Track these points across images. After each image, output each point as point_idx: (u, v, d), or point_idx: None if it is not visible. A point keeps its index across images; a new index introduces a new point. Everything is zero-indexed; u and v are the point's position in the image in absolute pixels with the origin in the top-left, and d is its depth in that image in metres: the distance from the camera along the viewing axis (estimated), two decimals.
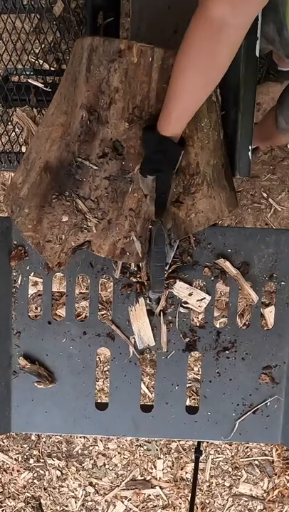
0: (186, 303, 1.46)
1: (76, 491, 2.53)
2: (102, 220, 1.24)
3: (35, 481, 2.53)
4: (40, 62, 1.89)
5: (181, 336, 1.47)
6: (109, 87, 1.17)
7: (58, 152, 1.23)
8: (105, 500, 2.52)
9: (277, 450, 2.51)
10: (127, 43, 1.15)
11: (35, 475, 2.52)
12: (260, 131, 1.96)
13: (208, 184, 1.27)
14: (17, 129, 2.23)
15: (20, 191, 1.28)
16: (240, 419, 1.48)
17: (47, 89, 1.62)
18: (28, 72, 1.65)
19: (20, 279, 1.47)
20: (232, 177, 1.36)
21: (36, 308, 2.15)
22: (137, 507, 2.52)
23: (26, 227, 1.27)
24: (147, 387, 2.35)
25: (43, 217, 1.25)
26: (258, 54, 1.32)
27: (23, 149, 2.13)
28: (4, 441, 2.53)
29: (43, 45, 1.66)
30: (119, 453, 2.52)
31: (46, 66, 1.83)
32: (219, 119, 1.30)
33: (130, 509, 2.52)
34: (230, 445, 2.52)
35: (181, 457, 2.51)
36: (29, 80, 1.64)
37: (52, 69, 1.75)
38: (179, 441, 2.50)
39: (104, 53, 1.16)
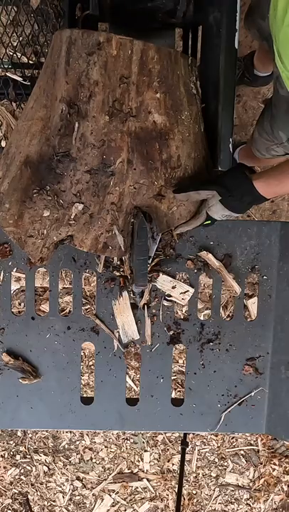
0: (170, 296, 1.46)
1: (63, 485, 2.53)
2: (84, 214, 1.23)
3: (22, 477, 2.52)
4: (19, 55, 1.86)
5: (165, 328, 1.48)
6: (89, 80, 1.16)
7: (38, 146, 1.21)
8: (93, 494, 2.53)
9: (262, 439, 2.53)
10: (106, 36, 1.14)
11: (22, 471, 2.52)
12: (248, 153, 1.98)
13: (189, 177, 1.27)
14: None
15: (1, 186, 1.27)
16: (226, 412, 1.50)
17: (26, 83, 1.60)
18: (6, 66, 1.63)
19: (2, 275, 1.45)
20: (213, 169, 1.36)
21: (19, 304, 2.14)
22: (124, 500, 2.53)
23: (7, 223, 1.26)
24: (132, 381, 2.36)
25: (24, 212, 1.24)
26: (237, 46, 1.32)
27: (3, 144, 2.10)
28: None
29: (20, 38, 1.64)
30: (105, 447, 2.52)
31: (24, 59, 1.81)
32: (200, 112, 1.30)
33: (118, 502, 2.53)
34: (216, 436, 2.54)
35: (168, 449, 2.52)
36: (7, 74, 1.62)
37: (30, 62, 1.73)
38: (165, 433, 2.51)
39: (83, 46, 1.15)
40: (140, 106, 1.18)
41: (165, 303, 1.47)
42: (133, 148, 1.19)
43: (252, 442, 2.55)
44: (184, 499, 2.53)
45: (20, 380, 1.45)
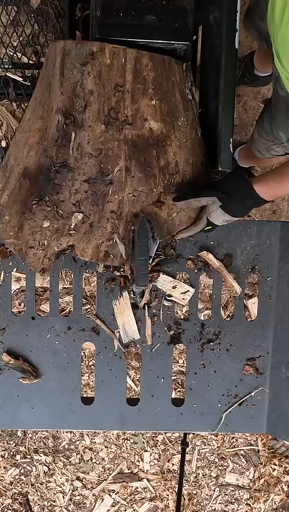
0: (170, 296, 1.46)
1: (64, 485, 2.53)
2: (84, 224, 1.23)
3: (22, 477, 2.52)
4: (19, 55, 1.86)
5: (165, 328, 1.48)
6: (84, 90, 1.17)
7: (36, 158, 1.22)
8: (93, 494, 2.53)
9: (262, 440, 2.53)
10: (99, 45, 1.15)
11: (22, 471, 2.52)
12: (248, 153, 1.98)
13: (188, 182, 1.27)
14: None
15: (0, 198, 1.27)
16: (227, 412, 1.50)
17: (26, 83, 1.60)
18: (6, 66, 1.63)
19: (2, 275, 1.45)
20: (212, 174, 1.36)
21: (20, 304, 2.14)
22: (124, 500, 2.53)
23: (8, 234, 1.26)
24: (133, 381, 2.36)
25: (24, 223, 1.24)
26: (237, 46, 1.32)
27: (3, 144, 2.11)
28: None
29: (21, 38, 1.64)
30: (106, 447, 2.52)
31: (25, 59, 1.81)
32: (196, 118, 1.30)
33: (118, 502, 2.53)
34: (216, 436, 2.54)
35: (168, 449, 2.52)
36: (8, 74, 1.62)
37: (31, 62, 1.73)
38: (165, 433, 2.51)
39: (77, 56, 1.16)
40: (136, 113, 1.18)
41: (165, 303, 1.47)
42: (130, 156, 1.20)
43: (252, 442, 2.55)
44: (184, 499, 2.53)
45: (20, 380, 1.45)
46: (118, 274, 1.45)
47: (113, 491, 2.53)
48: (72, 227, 1.23)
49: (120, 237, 1.25)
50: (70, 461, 2.52)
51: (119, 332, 1.47)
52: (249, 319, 1.51)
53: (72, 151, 1.19)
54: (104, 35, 1.21)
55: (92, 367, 2.37)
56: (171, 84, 1.21)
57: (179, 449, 2.48)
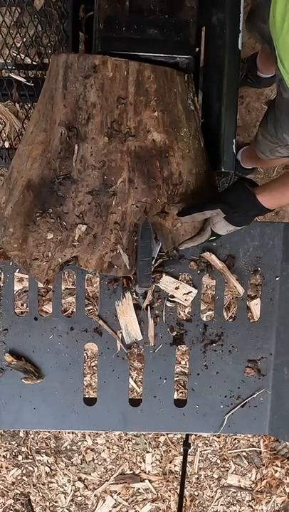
0: (173, 297, 1.46)
1: (65, 486, 2.53)
2: (88, 235, 1.24)
3: (24, 477, 2.52)
4: (22, 56, 1.87)
5: (168, 329, 1.48)
6: (87, 103, 1.17)
7: (39, 170, 1.23)
8: (95, 495, 2.53)
9: (264, 441, 2.53)
10: (102, 59, 1.16)
11: (24, 471, 2.52)
12: (251, 154, 1.98)
13: (192, 192, 1.27)
14: None
15: (4, 211, 1.28)
16: (229, 414, 1.49)
17: (29, 84, 1.61)
18: (9, 67, 1.64)
19: (5, 276, 1.46)
20: (215, 183, 1.37)
21: (22, 305, 2.14)
22: (126, 501, 2.53)
23: (12, 247, 1.26)
24: (135, 382, 2.36)
25: (28, 235, 1.25)
26: (240, 47, 1.32)
27: (6, 145, 2.11)
28: None
29: (24, 39, 1.64)
30: (108, 447, 2.52)
31: (28, 60, 1.81)
32: (199, 128, 1.30)
33: (120, 503, 2.53)
34: (218, 437, 2.53)
35: (170, 450, 2.52)
36: (11, 75, 1.63)
37: (34, 63, 1.73)
38: (167, 434, 2.51)
39: (80, 69, 1.17)
40: (139, 125, 1.19)
41: (168, 304, 1.47)
42: (134, 168, 1.20)
43: (254, 444, 2.54)
44: (186, 500, 2.53)
45: (23, 381, 1.45)
46: None
47: (115, 491, 2.53)
48: (76, 238, 1.24)
49: (124, 247, 1.25)
50: (72, 462, 2.52)
51: (121, 333, 1.47)
52: (252, 320, 1.51)
53: (76, 164, 1.20)
54: (106, 48, 1.22)
55: (95, 367, 2.37)
56: (173, 96, 1.22)
57: (181, 450, 2.48)
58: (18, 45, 1.73)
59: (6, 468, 2.52)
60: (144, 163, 1.20)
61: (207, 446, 2.54)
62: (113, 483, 2.53)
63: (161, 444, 2.53)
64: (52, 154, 1.21)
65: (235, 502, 2.56)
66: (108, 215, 1.22)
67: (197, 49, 1.38)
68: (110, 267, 1.27)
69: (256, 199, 1.18)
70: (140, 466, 2.53)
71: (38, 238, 1.25)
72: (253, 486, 2.56)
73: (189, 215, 1.24)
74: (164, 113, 1.21)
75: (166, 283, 1.45)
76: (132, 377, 2.36)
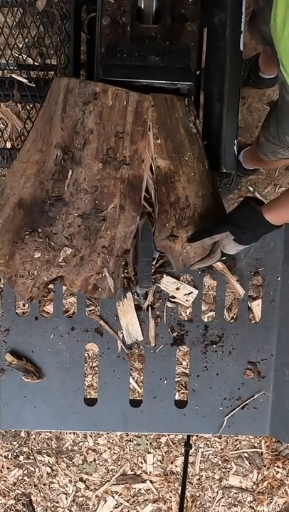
0: (174, 297, 1.46)
1: (67, 487, 2.53)
2: (75, 257, 1.24)
3: (25, 477, 2.52)
4: (24, 56, 1.87)
5: (169, 330, 1.48)
6: (84, 128, 1.18)
7: (32, 189, 1.23)
8: (96, 496, 2.53)
9: (266, 442, 2.53)
10: (103, 87, 1.17)
11: (25, 472, 2.52)
12: (253, 155, 1.98)
13: (199, 215, 1.28)
14: (1, 125, 2.21)
15: None
16: (229, 415, 1.49)
17: (31, 85, 1.61)
18: (11, 67, 1.64)
19: None
20: (221, 201, 1.37)
21: (24, 305, 2.14)
22: (127, 501, 2.53)
23: None
24: (136, 382, 2.36)
25: (15, 252, 1.25)
26: (242, 48, 1.32)
27: (8, 145, 2.11)
28: None
29: (26, 40, 1.65)
30: (109, 448, 2.52)
31: (30, 61, 1.82)
32: (202, 150, 1.31)
33: (121, 504, 2.53)
34: (220, 438, 2.53)
35: (171, 451, 2.52)
36: (13, 75, 1.63)
37: (36, 64, 1.73)
38: (168, 435, 2.51)
39: (80, 95, 1.18)
40: (134, 154, 1.20)
41: (169, 304, 1.47)
42: (126, 195, 1.21)
43: (255, 445, 2.54)
44: (187, 501, 2.53)
45: (23, 378, 1.45)
46: (122, 275, 1.45)
47: (116, 492, 2.53)
48: (60, 260, 1.24)
49: (110, 271, 1.26)
50: (73, 462, 2.52)
51: (122, 333, 1.47)
52: (253, 321, 1.51)
53: (68, 187, 1.21)
54: (108, 76, 1.22)
55: (96, 368, 2.37)
56: (174, 121, 1.23)
57: (182, 451, 2.48)
58: (20, 45, 1.74)
59: (8, 468, 2.52)
60: (136, 191, 1.21)
61: (208, 447, 2.53)
62: (114, 484, 2.53)
63: (162, 445, 2.53)
64: (46, 175, 1.22)
65: (236, 503, 2.56)
66: (97, 238, 1.24)
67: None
68: (95, 289, 1.28)
69: (263, 217, 1.18)
70: (141, 467, 2.53)
71: (25, 256, 1.25)
72: (254, 487, 2.55)
73: (199, 241, 1.25)
74: (166, 140, 1.22)
75: (167, 283, 1.45)
76: (132, 378, 2.36)
